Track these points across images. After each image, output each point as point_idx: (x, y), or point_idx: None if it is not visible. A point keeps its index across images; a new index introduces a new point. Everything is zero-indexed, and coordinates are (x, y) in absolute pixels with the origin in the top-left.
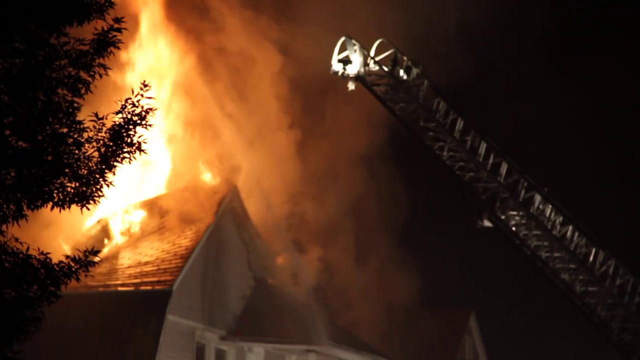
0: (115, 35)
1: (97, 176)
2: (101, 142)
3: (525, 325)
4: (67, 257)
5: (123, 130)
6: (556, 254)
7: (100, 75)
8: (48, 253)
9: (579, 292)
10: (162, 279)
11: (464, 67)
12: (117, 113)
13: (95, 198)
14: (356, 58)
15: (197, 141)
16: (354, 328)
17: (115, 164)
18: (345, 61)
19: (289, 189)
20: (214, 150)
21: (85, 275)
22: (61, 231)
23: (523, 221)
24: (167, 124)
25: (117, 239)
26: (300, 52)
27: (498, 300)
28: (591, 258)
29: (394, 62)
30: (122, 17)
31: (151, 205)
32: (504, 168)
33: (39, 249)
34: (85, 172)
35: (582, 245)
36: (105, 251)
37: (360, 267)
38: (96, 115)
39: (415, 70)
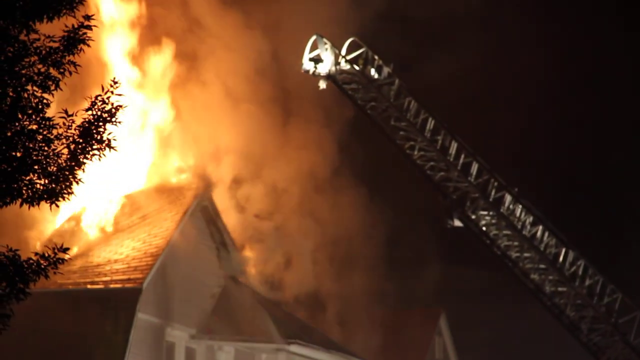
0: (85, 33)
1: (67, 173)
2: (71, 138)
3: (496, 326)
4: (36, 254)
5: (93, 127)
6: (526, 254)
7: (70, 73)
8: (17, 250)
9: (549, 292)
10: (132, 277)
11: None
12: (87, 110)
13: (64, 195)
14: (327, 57)
15: (170, 139)
16: (324, 327)
17: (85, 161)
18: (317, 60)
19: (265, 189)
20: (187, 148)
21: (55, 273)
22: (31, 228)
23: (493, 221)
24: (139, 121)
25: (88, 236)
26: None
27: (469, 300)
28: (561, 258)
29: (365, 61)
30: (92, 15)
31: (122, 203)
32: (474, 168)
33: (7, 245)
34: (55, 169)
35: (552, 246)
36: (75, 249)
37: (330, 266)
38: (66, 112)
39: (386, 70)
